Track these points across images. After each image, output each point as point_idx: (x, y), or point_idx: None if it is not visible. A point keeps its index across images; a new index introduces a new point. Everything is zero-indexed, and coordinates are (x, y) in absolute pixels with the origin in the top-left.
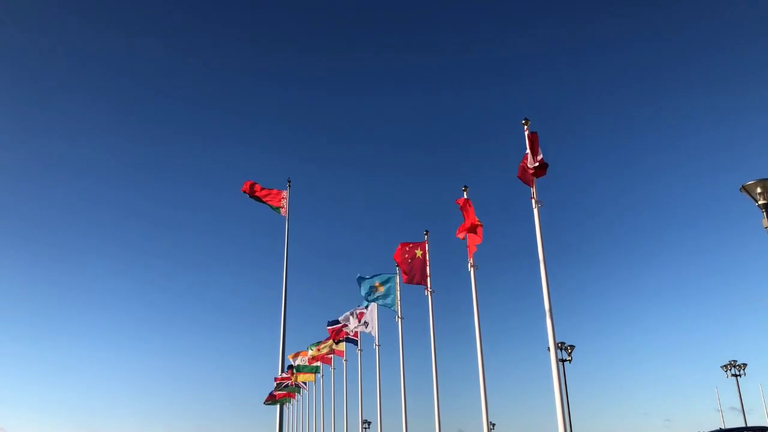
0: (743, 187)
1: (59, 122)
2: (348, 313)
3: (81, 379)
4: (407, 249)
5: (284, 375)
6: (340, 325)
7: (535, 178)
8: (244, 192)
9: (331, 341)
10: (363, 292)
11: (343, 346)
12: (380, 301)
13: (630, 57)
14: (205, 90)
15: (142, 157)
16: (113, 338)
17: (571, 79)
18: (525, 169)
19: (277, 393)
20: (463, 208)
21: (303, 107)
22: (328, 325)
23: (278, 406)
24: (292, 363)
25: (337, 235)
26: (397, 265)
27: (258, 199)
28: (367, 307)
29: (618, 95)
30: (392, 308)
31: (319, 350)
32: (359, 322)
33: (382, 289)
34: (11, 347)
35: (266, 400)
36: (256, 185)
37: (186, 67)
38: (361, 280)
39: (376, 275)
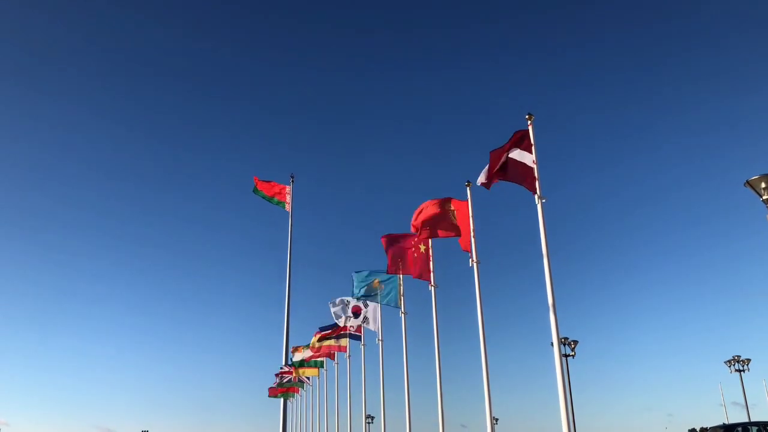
0: (748, 182)
1: (61, 115)
2: (340, 307)
3: (86, 375)
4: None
5: (285, 369)
6: (330, 331)
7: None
8: (255, 187)
9: (325, 338)
10: (358, 291)
11: (346, 341)
12: (383, 301)
13: (631, 51)
14: (207, 84)
15: (144, 150)
16: (117, 333)
17: (573, 73)
18: (523, 170)
19: (281, 387)
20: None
21: (306, 100)
22: (319, 330)
23: (282, 400)
24: (293, 357)
25: (341, 228)
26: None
27: (264, 196)
28: (365, 302)
29: (620, 90)
30: (394, 305)
31: (314, 349)
32: (355, 316)
33: (381, 288)
34: (17, 343)
35: (270, 393)
36: (257, 180)
37: (190, 60)
38: (357, 275)
39: (375, 272)
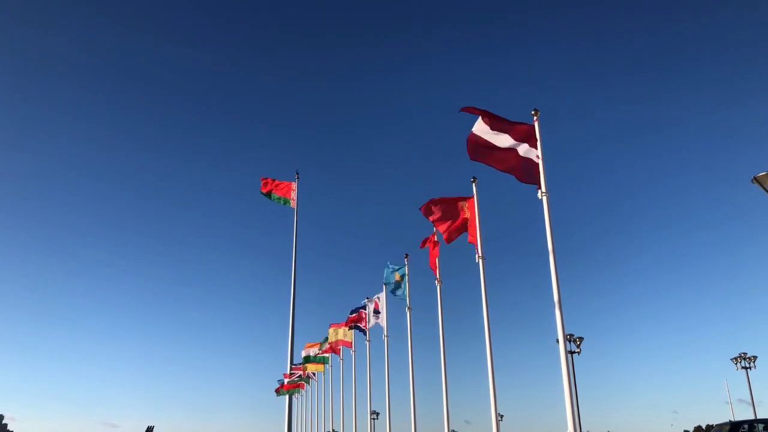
0: (755, 178)
1: (65, 122)
2: (366, 300)
3: (92, 372)
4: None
5: (295, 367)
6: (358, 314)
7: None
8: (266, 191)
9: (344, 327)
10: (386, 280)
11: (351, 336)
12: (397, 293)
13: (637, 52)
14: (210, 87)
15: (149, 152)
16: (122, 332)
17: (578, 72)
18: (529, 164)
19: (287, 384)
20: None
21: (310, 102)
22: (351, 313)
23: (287, 396)
24: (308, 354)
25: (346, 226)
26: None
27: (270, 196)
28: (379, 297)
29: (629, 90)
30: (403, 298)
31: (335, 340)
32: (376, 313)
33: (399, 279)
34: (24, 342)
35: (277, 390)
36: (268, 181)
37: (191, 63)
38: (388, 268)
39: (398, 267)
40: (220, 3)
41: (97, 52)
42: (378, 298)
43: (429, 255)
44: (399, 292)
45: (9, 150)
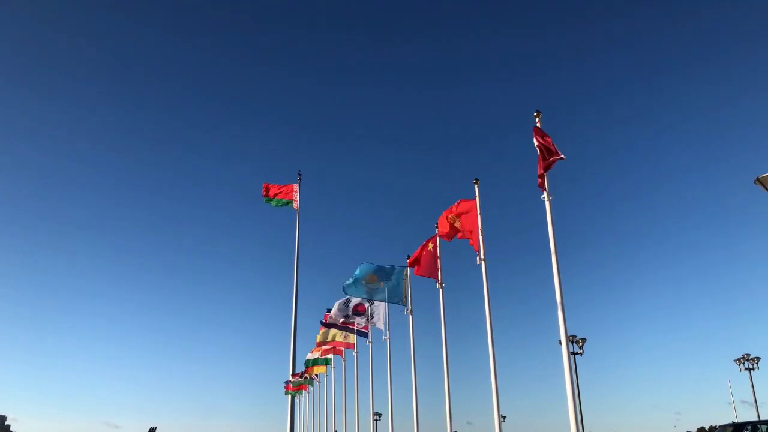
0: (758, 179)
1: (66, 120)
2: (342, 302)
3: (94, 373)
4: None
5: (299, 373)
6: (337, 315)
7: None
8: (266, 195)
9: (332, 327)
10: (352, 291)
11: (354, 338)
12: (386, 298)
13: (636, 54)
14: (214, 87)
15: (152, 153)
16: (125, 332)
17: (579, 77)
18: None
19: (292, 386)
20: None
21: (313, 103)
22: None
23: (290, 398)
24: (311, 358)
25: (348, 227)
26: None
27: (273, 201)
28: (370, 300)
29: (632, 90)
30: (397, 302)
31: (321, 345)
32: (358, 315)
33: (378, 283)
34: (26, 342)
35: (287, 390)
36: (269, 186)
37: (195, 63)
38: (361, 267)
39: (381, 267)
40: (226, 2)
41: (105, 49)
42: (366, 301)
43: (429, 262)
44: (390, 297)
45: (10, 148)
